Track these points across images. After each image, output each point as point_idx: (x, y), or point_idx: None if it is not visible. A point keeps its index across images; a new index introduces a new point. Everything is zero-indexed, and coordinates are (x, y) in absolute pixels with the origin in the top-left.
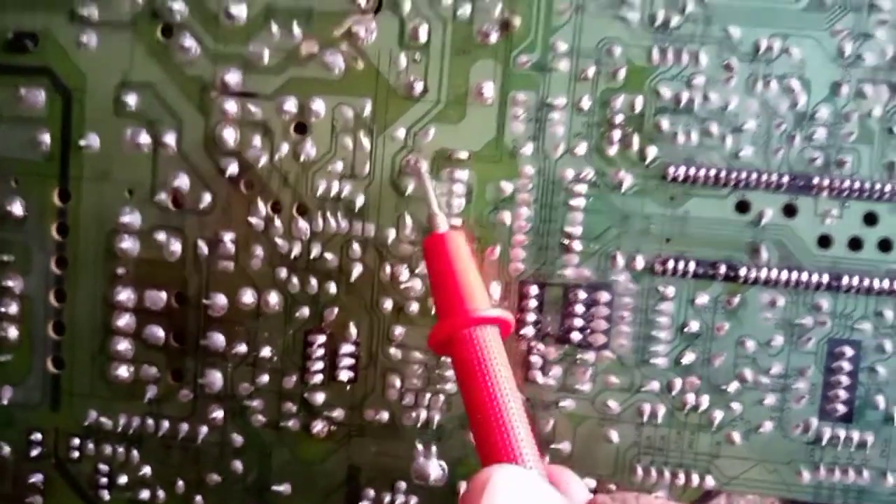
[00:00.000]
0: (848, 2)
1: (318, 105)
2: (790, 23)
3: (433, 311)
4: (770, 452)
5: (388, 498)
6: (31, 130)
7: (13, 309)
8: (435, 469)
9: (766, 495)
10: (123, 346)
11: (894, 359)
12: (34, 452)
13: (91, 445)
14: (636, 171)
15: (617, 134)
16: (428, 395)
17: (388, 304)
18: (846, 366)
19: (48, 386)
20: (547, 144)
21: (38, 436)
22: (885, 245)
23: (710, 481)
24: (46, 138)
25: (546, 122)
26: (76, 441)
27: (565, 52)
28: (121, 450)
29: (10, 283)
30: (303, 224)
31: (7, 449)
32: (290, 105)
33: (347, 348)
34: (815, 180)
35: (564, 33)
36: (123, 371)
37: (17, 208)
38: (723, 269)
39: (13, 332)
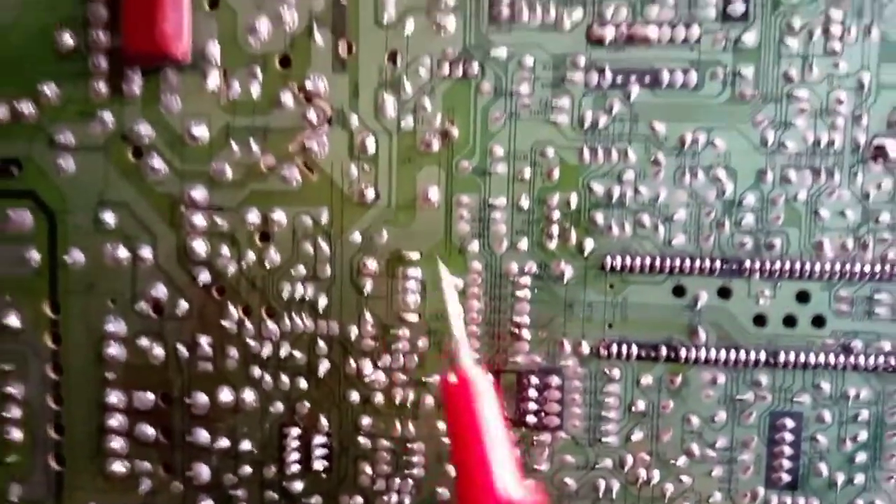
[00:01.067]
0: (767, 93)
1: (279, 215)
2: (713, 116)
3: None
4: None
5: None
6: (19, 249)
7: (16, 413)
8: None
9: None
10: (118, 444)
11: (834, 428)
12: None
13: None
14: (576, 263)
15: (555, 229)
16: (398, 480)
17: (355, 397)
18: (788, 436)
19: (52, 482)
20: (492, 241)
21: None
22: (818, 321)
23: None
24: (35, 255)
25: (489, 221)
26: None
27: (502, 157)
28: None
29: (11, 390)
30: (272, 325)
31: None
32: (253, 216)
33: (320, 439)
34: (747, 263)
35: (500, 139)
36: (119, 466)
37: (13, 321)
38: (664, 350)
39: (17, 434)
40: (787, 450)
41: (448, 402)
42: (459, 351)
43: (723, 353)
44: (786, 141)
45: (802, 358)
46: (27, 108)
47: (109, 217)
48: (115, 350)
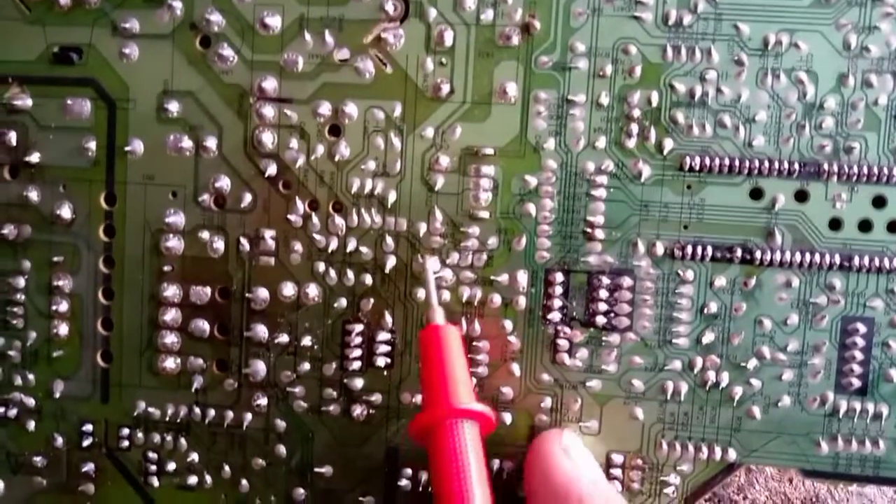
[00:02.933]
0: None
1: (351, 108)
2: (797, 18)
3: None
4: (789, 425)
5: (424, 476)
6: (77, 138)
7: (63, 307)
8: None
9: (787, 466)
10: (170, 339)
11: None
12: (86, 443)
13: (140, 434)
14: (654, 162)
15: (635, 127)
16: None
17: (421, 294)
18: (860, 341)
19: (98, 379)
20: (568, 139)
21: (89, 427)
22: (893, 226)
23: (731, 454)
24: (92, 145)
25: (567, 118)
26: (125, 431)
27: (583, 52)
28: (169, 438)
29: (60, 283)
30: (339, 220)
31: (60, 440)
32: (325, 109)
33: (383, 336)
34: (825, 166)
35: (582, 34)
36: (170, 363)
37: (65, 212)
38: (739, 252)
39: (64, 329)
40: (858, 355)
41: (423, 344)
42: (434, 314)
43: (797, 256)
44: (869, 45)
45: (877, 262)
46: None
47: (173, 106)
48: (173, 243)
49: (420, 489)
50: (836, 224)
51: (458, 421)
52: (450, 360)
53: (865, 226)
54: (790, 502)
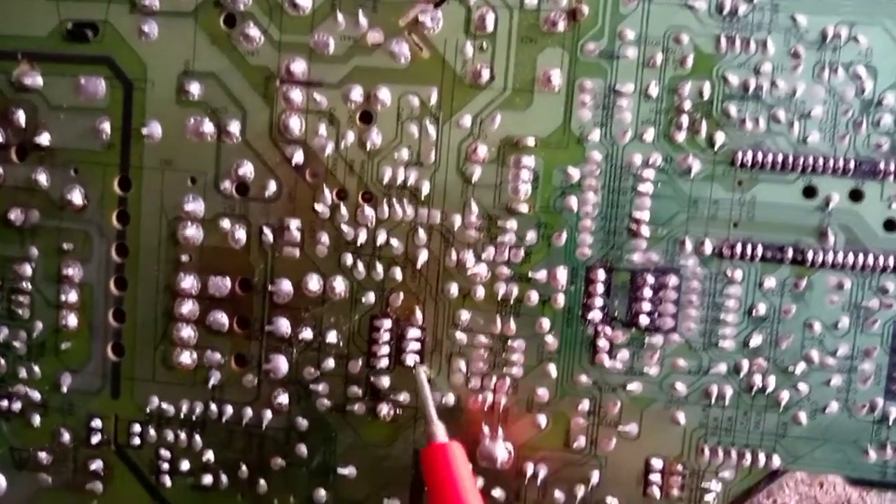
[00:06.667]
0: None
1: (384, 94)
2: (857, 10)
3: None
4: (836, 432)
5: None
6: (91, 119)
7: (73, 297)
8: (501, 451)
9: (833, 473)
10: (186, 332)
11: None
12: (94, 439)
13: (152, 431)
14: (704, 157)
15: (685, 120)
16: (493, 379)
17: (454, 290)
18: None
19: (108, 373)
20: (614, 130)
21: (98, 422)
22: None
23: (776, 461)
24: (107, 127)
25: (614, 109)
26: (137, 427)
27: (633, 40)
28: (183, 435)
29: (70, 272)
30: (368, 211)
31: (67, 436)
32: (356, 94)
33: (413, 333)
34: (882, 165)
35: (632, 21)
36: (186, 357)
37: (76, 197)
38: (790, 252)
39: (73, 320)
40: None
41: (427, 465)
42: (435, 430)
43: (850, 258)
44: None
45: None
46: None
47: (194, 88)
48: (191, 231)
49: None
50: (891, 225)
51: None
52: (460, 482)
53: None
54: None
